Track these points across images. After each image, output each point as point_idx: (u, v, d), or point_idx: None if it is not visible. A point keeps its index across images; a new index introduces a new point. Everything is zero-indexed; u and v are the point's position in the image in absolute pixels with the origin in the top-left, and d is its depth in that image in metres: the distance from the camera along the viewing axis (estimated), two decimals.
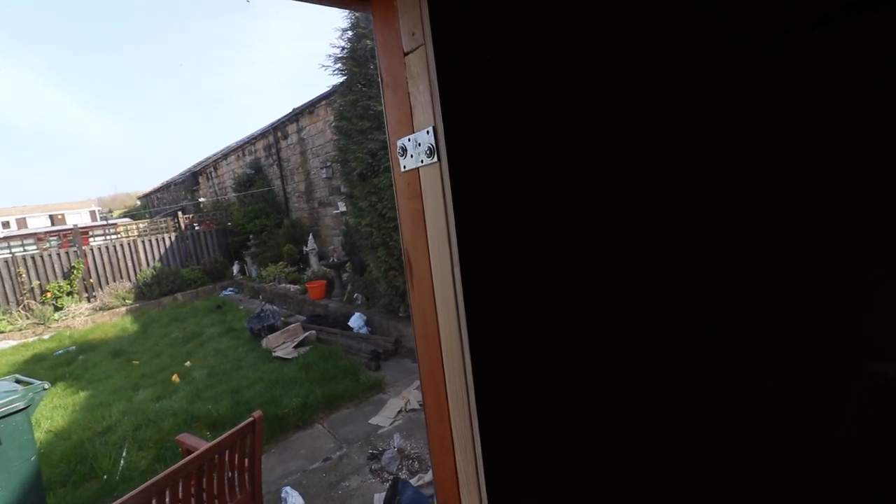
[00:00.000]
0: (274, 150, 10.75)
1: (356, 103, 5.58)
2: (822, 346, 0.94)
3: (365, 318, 6.23)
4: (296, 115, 9.58)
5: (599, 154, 0.62)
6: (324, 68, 5.98)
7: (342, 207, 8.05)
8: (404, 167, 0.60)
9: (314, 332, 6.15)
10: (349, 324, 6.18)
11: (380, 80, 0.63)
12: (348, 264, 7.40)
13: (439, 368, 0.61)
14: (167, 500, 1.81)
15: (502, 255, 0.56)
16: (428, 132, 0.55)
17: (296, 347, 5.79)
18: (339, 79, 6.00)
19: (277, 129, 10.49)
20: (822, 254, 0.89)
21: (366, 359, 5.13)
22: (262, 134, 11.30)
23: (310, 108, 9.10)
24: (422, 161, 0.57)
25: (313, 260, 8.78)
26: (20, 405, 2.62)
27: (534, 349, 0.58)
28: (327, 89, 7.82)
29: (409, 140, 0.59)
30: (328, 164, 8.57)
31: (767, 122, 0.80)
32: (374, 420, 3.90)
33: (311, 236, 9.11)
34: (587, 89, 0.61)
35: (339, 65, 5.85)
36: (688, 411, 0.72)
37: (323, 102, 8.60)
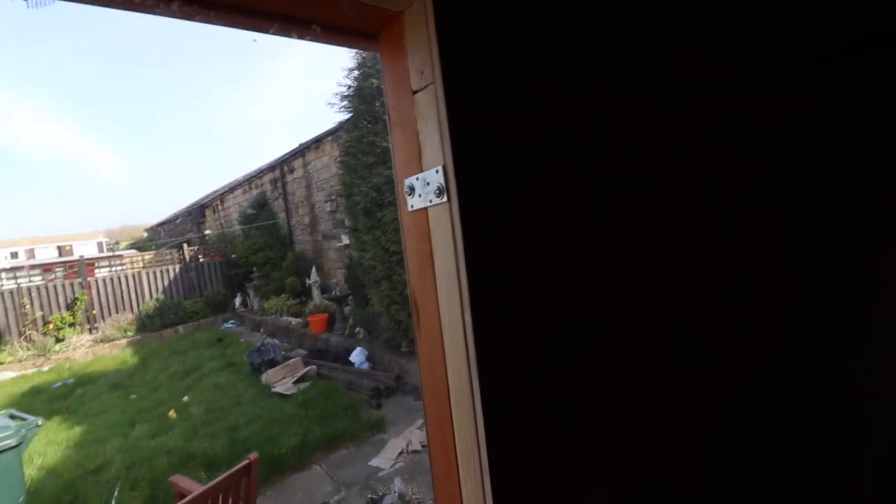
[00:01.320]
0: (280, 184, 10.91)
1: (361, 139, 5.69)
2: (845, 380, 0.89)
3: (366, 353, 6.12)
4: (302, 150, 9.78)
5: (626, 196, 0.60)
6: (330, 106, 6.14)
7: (346, 241, 8.07)
8: (412, 206, 0.58)
9: (314, 367, 6.03)
10: (350, 358, 6.07)
11: (387, 118, 0.62)
12: (350, 298, 7.35)
13: (448, 421, 0.56)
14: None
15: (519, 303, 0.53)
16: (437, 171, 0.53)
17: (295, 383, 5.67)
18: (344, 116, 6.15)
19: (284, 164, 10.69)
20: (849, 287, 0.85)
21: (367, 396, 4.99)
22: (269, 168, 11.51)
23: (315, 144, 9.29)
24: (430, 201, 0.55)
25: (316, 293, 8.73)
26: (12, 442, 2.54)
27: (554, 406, 0.54)
28: (333, 125, 8.02)
29: (417, 179, 0.57)
30: (332, 197, 8.67)
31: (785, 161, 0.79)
32: (374, 462, 3.75)
33: (313, 269, 9.10)
34: (609, 131, 0.60)
35: (345, 102, 6.01)
36: (724, 467, 0.67)
37: (329, 138, 8.79)
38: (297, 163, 10.19)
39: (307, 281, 9.12)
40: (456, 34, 0.51)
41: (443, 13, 0.50)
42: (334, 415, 4.60)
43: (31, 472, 4.17)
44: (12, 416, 2.76)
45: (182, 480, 2.35)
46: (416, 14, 0.53)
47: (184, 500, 1.79)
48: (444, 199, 0.52)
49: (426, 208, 0.56)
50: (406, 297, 5.51)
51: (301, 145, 9.74)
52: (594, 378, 0.59)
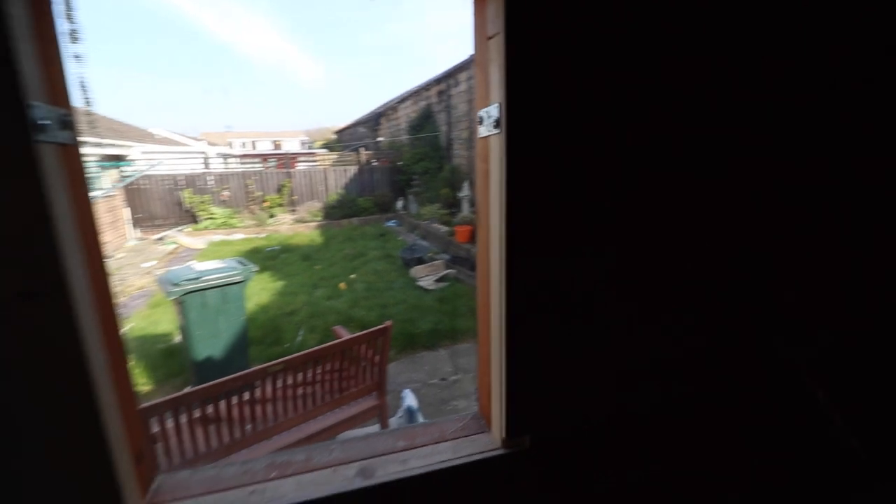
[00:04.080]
0: (445, 97, 11.30)
1: None
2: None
3: None
4: (468, 63, 9.83)
5: (654, 149, 0.67)
6: None
7: None
8: (480, 134, 0.74)
9: (454, 271, 6.70)
10: None
11: (474, 59, 0.76)
12: None
13: (486, 301, 0.77)
14: (319, 369, 2.39)
15: (543, 221, 0.68)
16: (496, 107, 0.67)
17: (436, 281, 6.43)
18: None
19: (450, 76, 10.94)
20: None
21: None
22: (437, 80, 11.91)
23: None
24: (490, 130, 0.70)
25: (465, 206, 9.30)
26: (240, 278, 3.61)
27: (557, 300, 0.70)
28: None
29: (485, 112, 0.72)
30: None
31: None
32: None
33: (466, 183, 9.60)
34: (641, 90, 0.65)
35: None
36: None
37: None
38: (463, 76, 10.34)
39: (459, 194, 9.72)
40: None
41: None
42: (463, 314, 5.20)
43: (249, 305, 5.79)
44: (239, 262, 3.88)
45: (341, 330, 3.09)
46: None
47: (339, 339, 2.41)
48: (498, 130, 0.67)
49: (488, 136, 0.72)
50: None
51: (470, 56, 9.78)
52: (600, 296, 0.71)
